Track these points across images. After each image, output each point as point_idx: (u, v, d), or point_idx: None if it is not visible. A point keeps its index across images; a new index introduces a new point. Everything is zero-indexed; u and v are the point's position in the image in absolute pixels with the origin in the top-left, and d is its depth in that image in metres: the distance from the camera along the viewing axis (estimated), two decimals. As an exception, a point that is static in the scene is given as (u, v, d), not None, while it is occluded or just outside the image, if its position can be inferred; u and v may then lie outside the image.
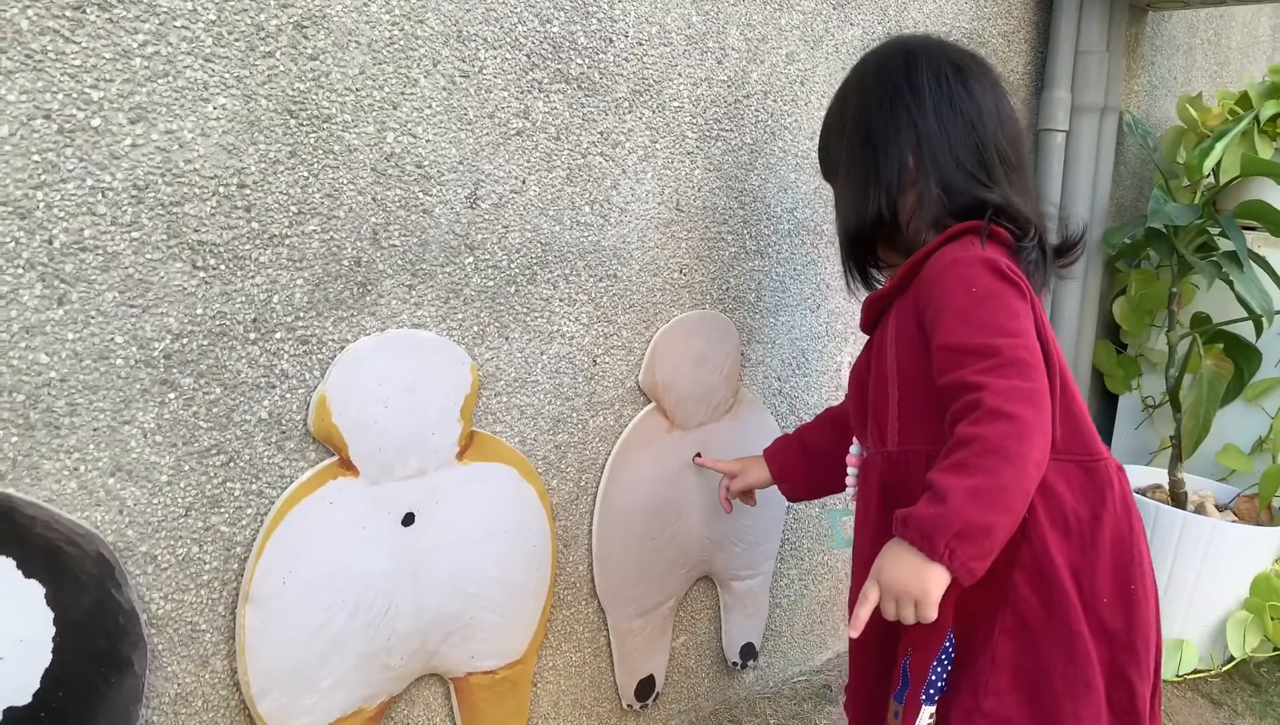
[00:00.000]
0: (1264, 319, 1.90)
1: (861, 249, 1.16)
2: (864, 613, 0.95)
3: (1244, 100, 2.17)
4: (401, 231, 1.08)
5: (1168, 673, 1.98)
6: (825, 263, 1.65)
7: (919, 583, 0.89)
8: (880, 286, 1.18)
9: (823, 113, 1.57)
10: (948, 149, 1.06)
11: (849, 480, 1.22)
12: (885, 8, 1.65)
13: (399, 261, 1.09)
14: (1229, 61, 2.81)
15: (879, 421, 1.09)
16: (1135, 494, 2.05)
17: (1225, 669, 2.02)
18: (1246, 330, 1.99)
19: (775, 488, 1.38)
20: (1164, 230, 2.05)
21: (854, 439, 1.22)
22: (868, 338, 1.16)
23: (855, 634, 0.96)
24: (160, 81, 0.89)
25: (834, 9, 1.56)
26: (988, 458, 0.87)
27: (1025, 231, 1.05)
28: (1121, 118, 2.23)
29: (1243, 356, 2.06)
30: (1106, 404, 2.55)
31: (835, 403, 1.59)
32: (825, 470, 1.31)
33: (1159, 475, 2.22)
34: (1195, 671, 2.00)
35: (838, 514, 1.25)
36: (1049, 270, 1.07)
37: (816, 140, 1.24)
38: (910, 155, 1.07)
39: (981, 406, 0.89)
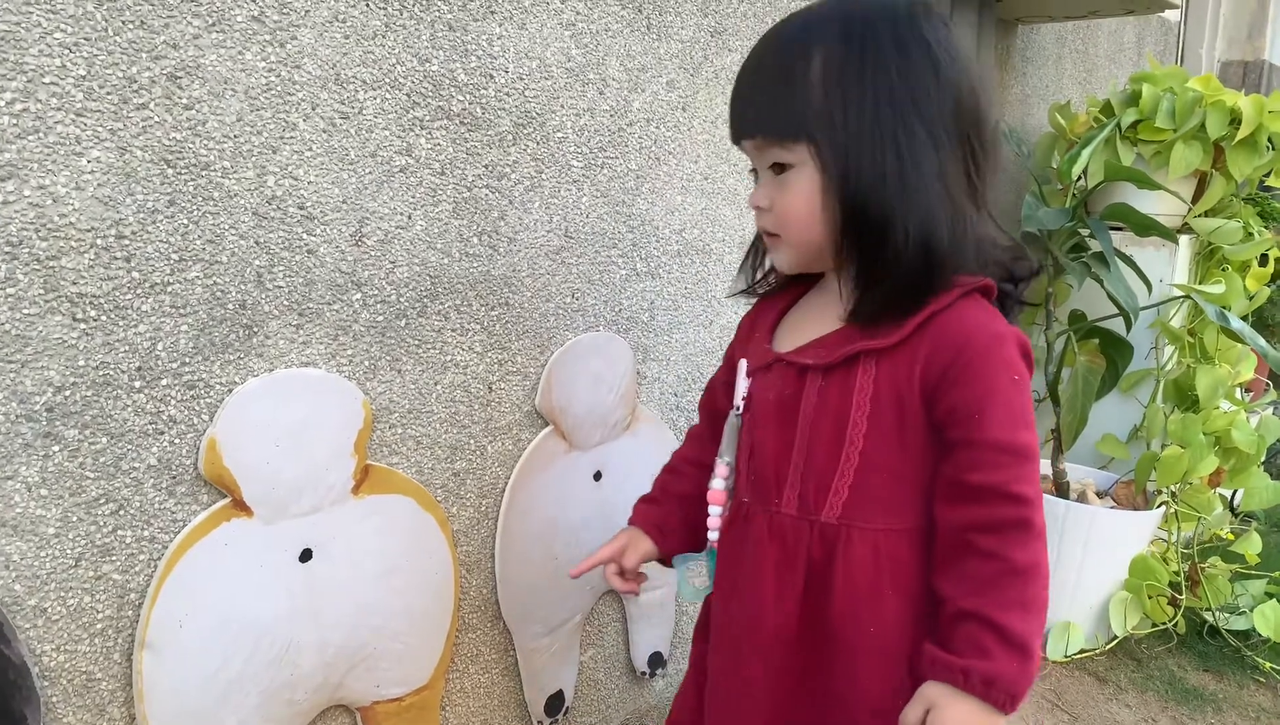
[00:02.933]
0: (1132, 314, 2.02)
1: (930, 273, 0.85)
2: None
3: (1107, 108, 2.30)
4: (286, 272, 1.10)
5: (1056, 654, 2.08)
6: (715, 281, 1.70)
7: None
8: (771, 292, 1.04)
9: (707, 139, 1.64)
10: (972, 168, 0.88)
11: (714, 524, 1.04)
12: (761, 33, 1.71)
13: (285, 302, 1.10)
14: (1097, 68, 2.96)
15: (819, 482, 0.90)
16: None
17: (1109, 647, 2.13)
18: (1119, 326, 2.11)
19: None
20: (1038, 234, 2.16)
21: (718, 475, 1.02)
22: (805, 369, 0.92)
23: None
24: (30, 138, 0.89)
25: (711, 36, 1.61)
26: (1040, 587, 0.81)
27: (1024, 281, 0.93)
28: (997, 127, 2.34)
29: (1116, 350, 2.19)
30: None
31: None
32: (703, 514, 1.11)
33: (1044, 467, 2.33)
34: (1081, 651, 2.12)
35: (684, 561, 1.08)
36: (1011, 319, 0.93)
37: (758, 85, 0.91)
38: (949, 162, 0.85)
39: (1031, 527, 0.81)
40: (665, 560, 1.12)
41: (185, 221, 1.01)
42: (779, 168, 0.89)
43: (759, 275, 1.06)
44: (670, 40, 1.54)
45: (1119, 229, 2.18)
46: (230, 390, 1.06)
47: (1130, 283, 2.06)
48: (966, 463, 0.83)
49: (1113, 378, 2.22)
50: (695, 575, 1.07)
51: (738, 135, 0.93)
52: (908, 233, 0.83)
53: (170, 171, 0.99)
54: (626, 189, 1.51)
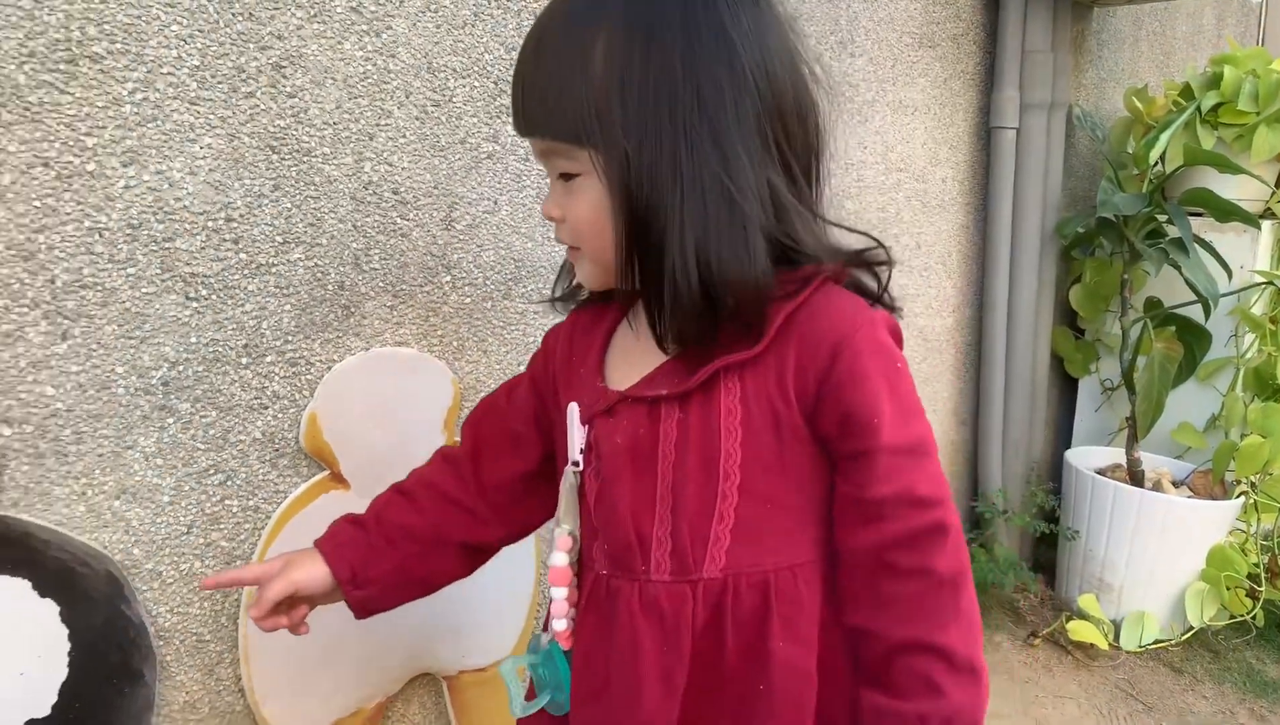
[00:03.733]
0: (1211, 301, 1.99)
1: (739, 280, 0.72)
2: None
3: (1186, 91, 2.26)
4: (381, 255, 1.14)
5: (1130, 644, 2.07)
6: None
7: None
8: (585, 304, 0.91)
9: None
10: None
11: (560, 610, 0.84)
12: (837, 18, 1.72)
13: (380, 284, 1.15)
14: (1175, 51, 2.91)
15: (694, 533, 0.76)
16: (1095, 474, 2.15)
17: (1185, 638, 2.11)
18: (1197, 313, 2.08)
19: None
20: (1114, 219, 2.14)
21: (559, 548, 0.85)
22: (658, 401, 0.77)
23: None
24: (150, 126, 0.94)
25: (787, 22, 1.62)
26: (971, 594, 0.73)
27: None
28: (1071, 112, 2.32)
29: (1194, 338, 2.15)
30: (1067, 388, 2.64)
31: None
32: (435, 561, 0.93)
33: (1118, 455, 2.31)
34: (1156, 642, 2.09)
35: (511, 665, 0.88)
36: None
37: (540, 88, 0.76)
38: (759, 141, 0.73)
39: (947, 530, 0.72)
40: (353, 608, 0.91)
41: (289, 206, 1.05)
42: (566, 176, 0.76)
43: (566, 287, 0.92)
44: (746, 27, 1.55)
45: (1198, 214, 2.14)
46: (329, 367, 1.11)
47: (1210, 269, 2.03)
48: (865, 477, 0.73)
49: (1190, 366, 2.18)
50: (526, 682, 0.88)
51: (519, 130, 0.80)
52: (684, 252, 0.70)
53: (275, 157, 1.03)
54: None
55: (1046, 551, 2.41)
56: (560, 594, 0.84)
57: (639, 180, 0.71)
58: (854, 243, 0.80)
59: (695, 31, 0.70)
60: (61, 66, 0.88)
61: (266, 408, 1.07)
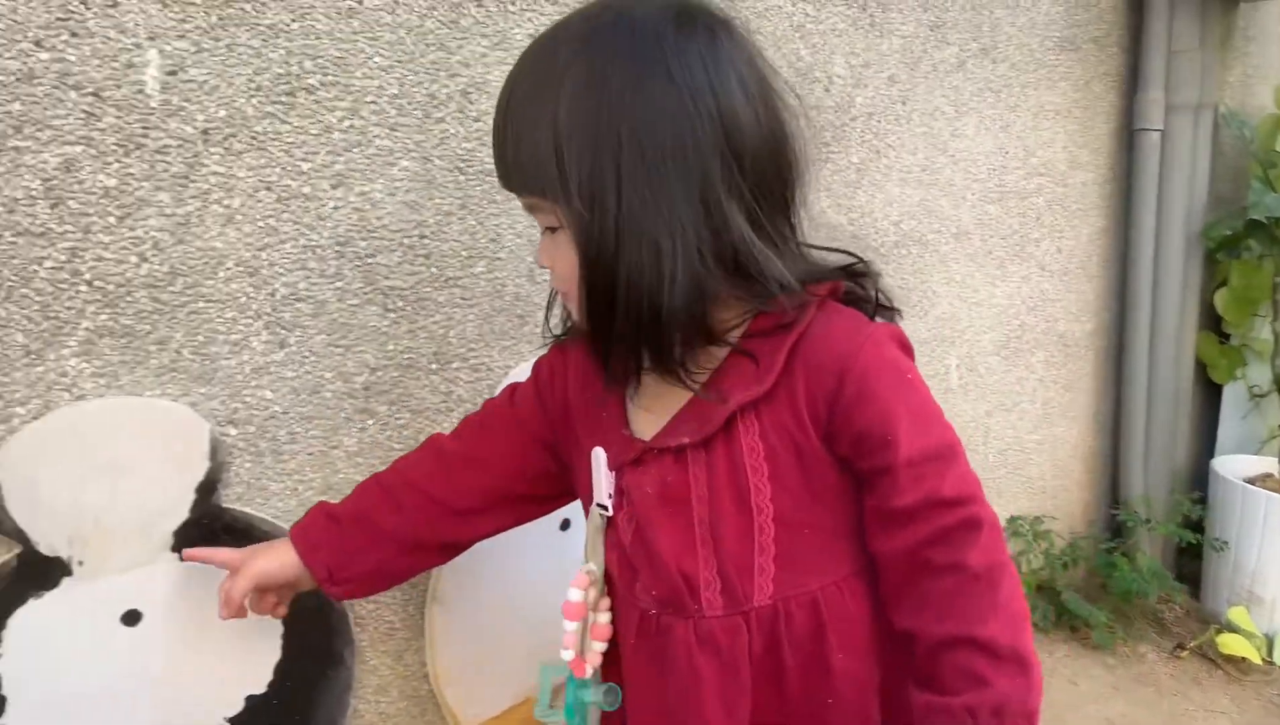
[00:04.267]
0: (1371, 306, 1.91)
1: (685, 330, 0.74)
2: None
3: (1342, 87, 2.18)
4: (553, 267, 1.21)
5: (1285, 659, 2.00)
6: (931, 271, 1.73)
7: None
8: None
9: (925, 131, 1.66)
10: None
11: (571, 642, 0.86)
12: (979, 25, 1.73)
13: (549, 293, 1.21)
14: (1326, 45, 2.79)
15: (739, 567, 0.78)
16: (1245, 483, 2.09)
17: (1345, 654, 2.03)
18: (1354, 317, 2.01)
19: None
20: (1264, 221, 2.08)
21: (576, 585, 0.86)
22: (683, 449, 0.79)
23: None
24: (355, 151, 1.02)
25: (930, 30, 1.64)
26: (1012, 585, 0.73)
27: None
28: (1216, 111, 2.25)
29: (1351, 343, 2.07)
30: (1210, 394, 2.56)
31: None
32: (414, 559, 0.96)
33: (1269, 464, 2.23)
34: (1314, 657, 2.02)
35: (551, 670, 0.92)
36: None
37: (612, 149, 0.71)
38: (722, 175, 0.73)
39: (980, 524, 0.73)
40: (329, 596, 0.92)
41: (473, 222, 1.12)
42: (550, 229, 0.77)
43: (563, 323, 0.93)
44: (891, 36, 1.58)
45: (1356, 215, 2.06)
46: (506, 373, 1.18)
47: (1371, 271, 1.95)
48: (889, 489, 0.74)
49: (1348, 371, 2.10)
50: (565, 695, 0.89)
51: (501, 184, 0.81)
52: (626, 299, 0.71)
53: (462, 178, 1.11)
54: (848, 182, 1.56)
55: (1189, 562, 2.34)
56: (572, 628, 0.86)
57: (590, 233, 0.71)
58: (838, 261, 0.82)
59: (640, 82, 0.70)
60: (283, 98, 0.97)
61: (453, 411, 1.14)
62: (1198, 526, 2.23)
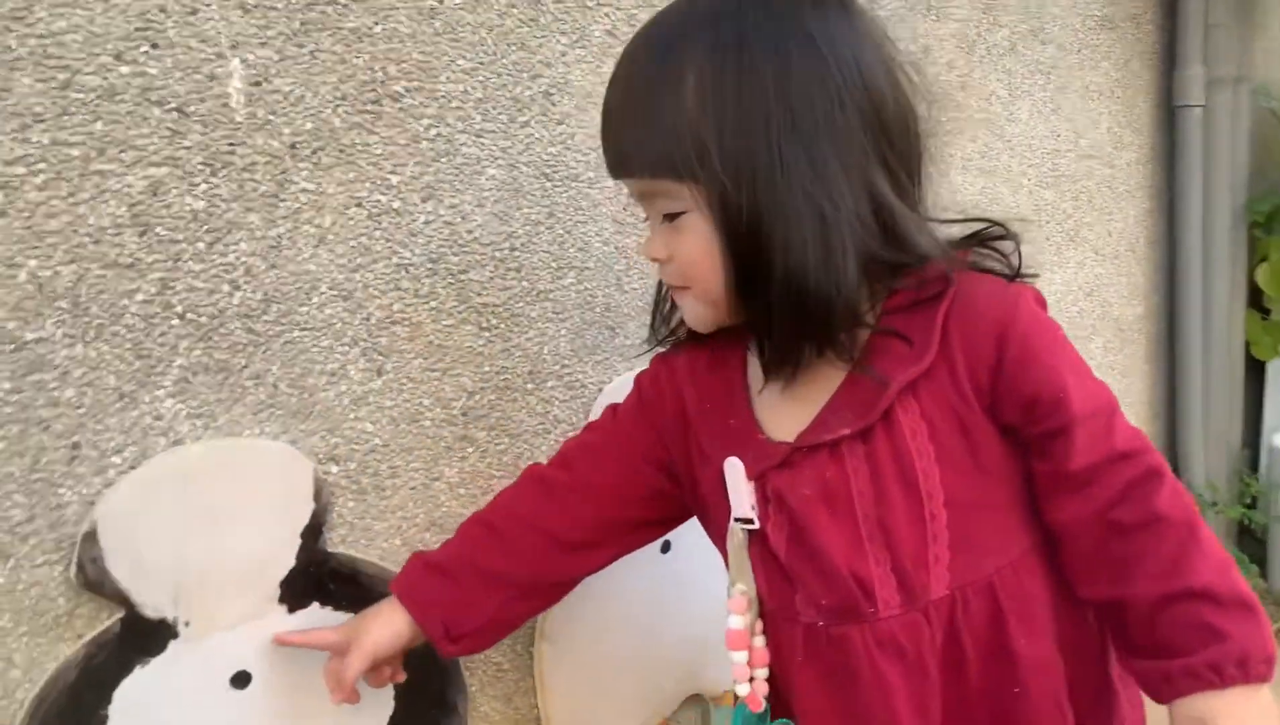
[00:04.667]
0: None
1: (850, 306, 0.72)
2: None
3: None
4: (640, 275, 1.14)
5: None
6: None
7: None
8: (665, 345, 0.88)
9: (984, 117, 1.61)
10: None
11: (743, 674, 0.81)
12: (1027, 5, 1.68)
13: (639, 303, 1.14)
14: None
15: (914, 560, 0.73)
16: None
17: None
18: None
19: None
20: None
21: (735, 611, 0.80)
22: (839, 442, 0.74)
23: None
24: (443, 160, 0.96)
25: (983, 13, 1.59)
26: (1206, 532, 0.69)
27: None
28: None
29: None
30: (1254, 371, 2.52)
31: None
32: (529, 603, 0.90)
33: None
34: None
35: (729, 716, 0.87)
36: None
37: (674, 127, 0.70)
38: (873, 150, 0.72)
39: (1161, 473, 0.70)
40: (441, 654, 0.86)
41: (561, 232, 1.06)
42: (670, 216, 0.74)
43: (669, 329, 0.88)
44: (948, 21, 1.53)
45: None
46: (599, 389, 1.11)
47: None
48: (1066, 451, 0.70)
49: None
50: None
51: (614, 171, 0.78)
52: (786, 280, 0.69)
53: (548, 185, 1.04)
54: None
55: (1251, 544, 2.29)
56: (740, 658, 0.80)
57: (739, 211, 0.69)
58: (961, 230, 0.80)
59: (785, 52, 0.68)
60: (369, 107, 0.90)
61: (549, 432, 1.07)
62: (1252, 505, 2.19)
